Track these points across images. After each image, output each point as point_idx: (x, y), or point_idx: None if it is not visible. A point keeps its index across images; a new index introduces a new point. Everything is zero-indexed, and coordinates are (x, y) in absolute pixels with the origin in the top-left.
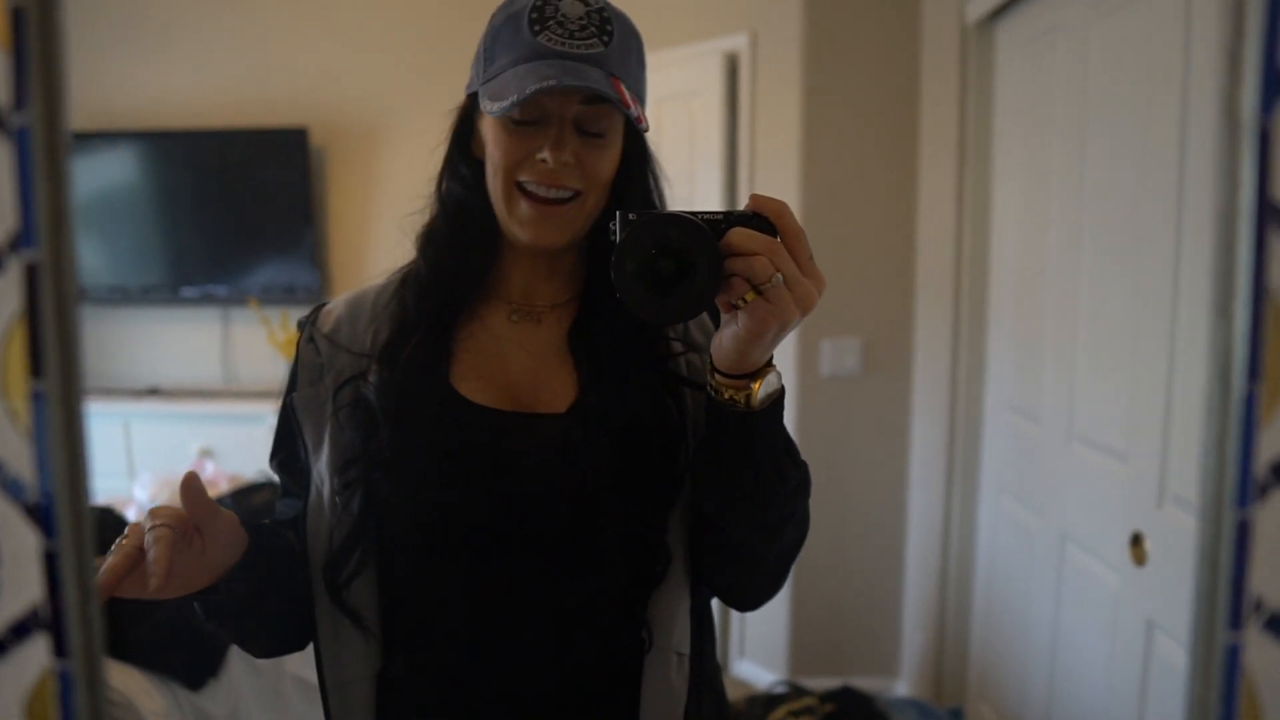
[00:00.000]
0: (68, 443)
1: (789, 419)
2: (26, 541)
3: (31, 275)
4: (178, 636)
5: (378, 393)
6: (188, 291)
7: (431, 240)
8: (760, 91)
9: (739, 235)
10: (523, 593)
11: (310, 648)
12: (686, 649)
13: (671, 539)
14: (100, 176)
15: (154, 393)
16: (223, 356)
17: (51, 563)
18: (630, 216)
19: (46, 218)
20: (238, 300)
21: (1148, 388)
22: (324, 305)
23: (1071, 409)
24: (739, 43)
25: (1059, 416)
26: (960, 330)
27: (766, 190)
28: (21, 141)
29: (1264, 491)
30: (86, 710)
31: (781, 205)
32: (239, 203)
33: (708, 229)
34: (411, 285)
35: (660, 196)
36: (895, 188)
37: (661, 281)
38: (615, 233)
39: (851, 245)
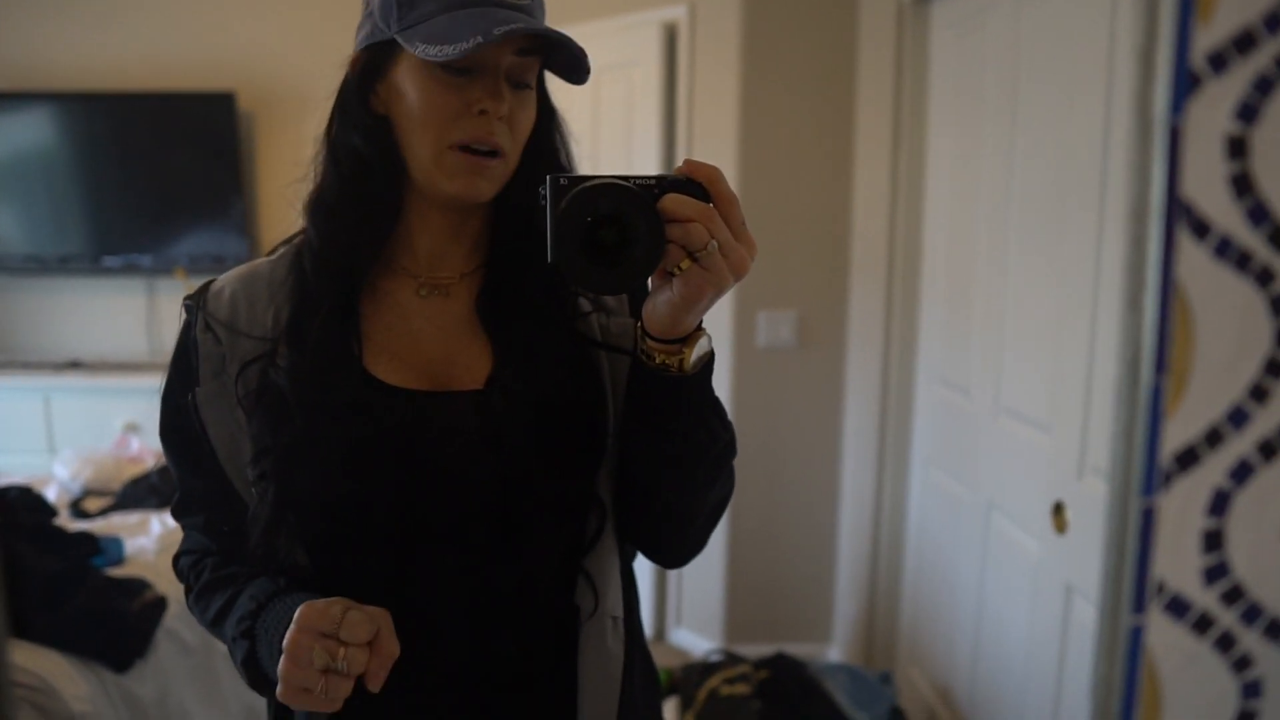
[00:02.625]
0: None
1: (725, 390)
2: None
3: None
4: (101, 618)
5: (288, 378)
6: (110, 261)
7: (323, 206)
8: (699, 63)
9: (674, 201)
10: (453, 573)
11: None
12: (620, 612)
13: (602, 495)
14: (14, 140)
15: (75, 366)
16: (148, 328)
17: None
18: (561, 181)
19: None
20: (164, 270)
21: (1070, 363)
22: (210, 284)
23: (999, 383)
24: (678, 13)
25: (986, 390)
26: (893, 304)
27: (703, 160)
28: None
29: (1168, 480)
30: None
31: (714, 170)
32: (164, 169)
33: (647, 196)
34: (308, 257)
35: (568, 154)
36: (831, 162)
37: (602, 250)
38: (545, 198)
39: (788, 219)
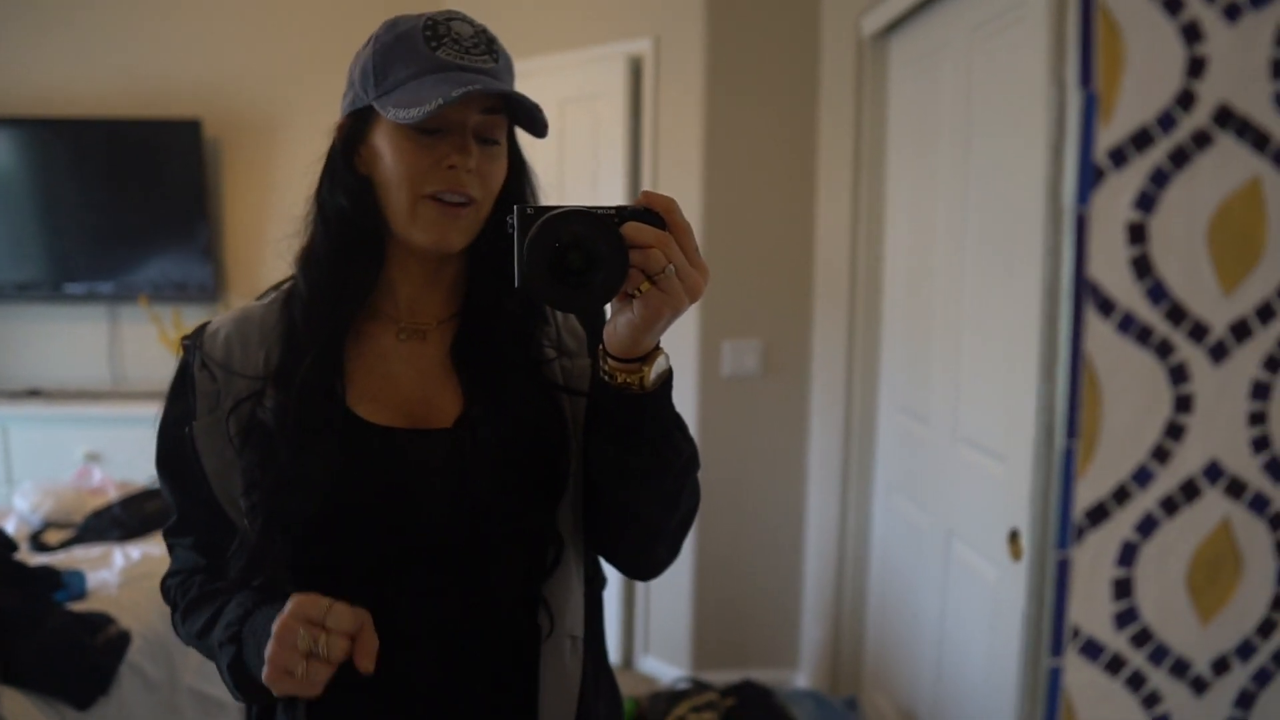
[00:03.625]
0: None
1: (690, 418)
2: None
3: None
4: (64, 655)
5: (275, 416)
6: (72, 288)
7: (313, 260)
8: (663, 95)
9: (633, 229)
10: (422, 598)
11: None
12: (580, 632)
13: (561, 528)
14: None
15: (35, 394)
16: (110, 356)
17: None
18: (529, 210)
19: None
20: (126, 297)
21: (1022, 395)
22: (206, 326)
23: (956, 411)
24: (643, 46)
25: (945, 418)
26: (855, 334)
27: (668, 192)
28: None
29: (1081, 534)
30: None
31: (670, 201)
32: (128, 196)
33: (610, 222)
34: (297, 306)
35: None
36: (794, 193)
37: (569, 273)
38: (513, 227)
39: (752, 249)
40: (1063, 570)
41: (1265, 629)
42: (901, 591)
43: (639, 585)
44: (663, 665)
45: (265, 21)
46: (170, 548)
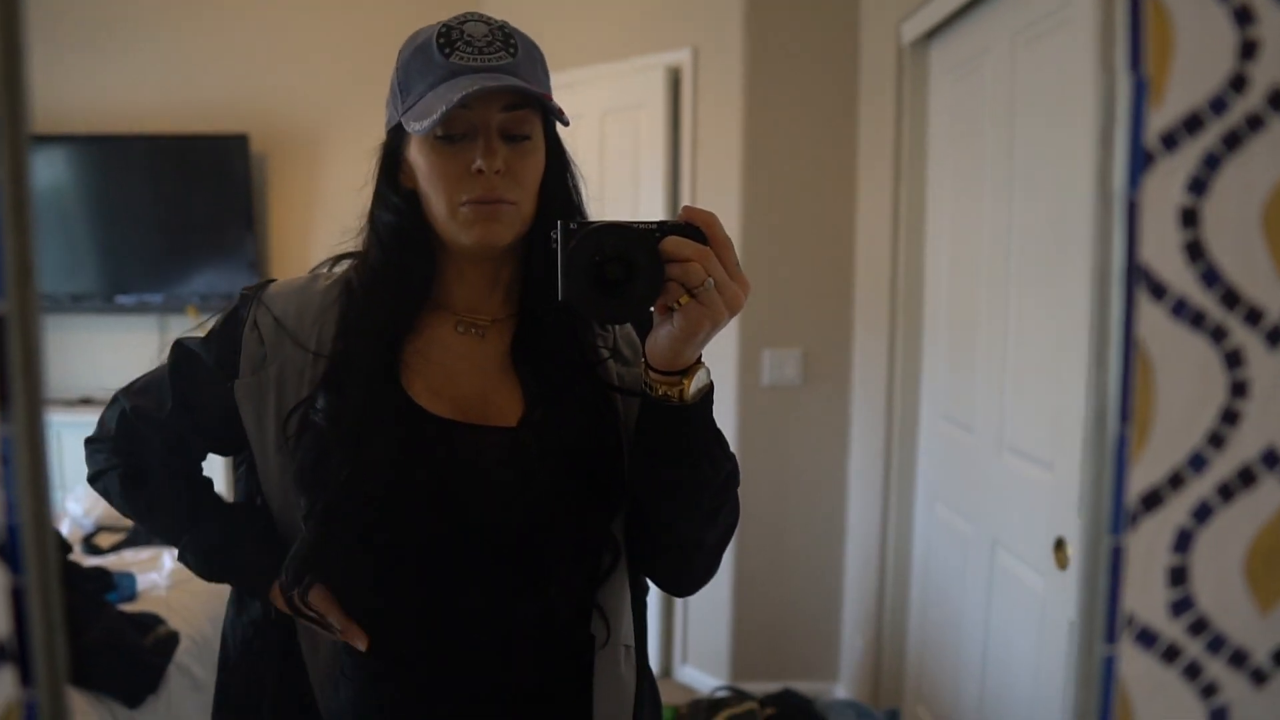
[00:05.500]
0: (33, 481)
1: (730, 427)
2: None
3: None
4: (115, 653)
5: (331, 411)
6: (123, 299)
7: (368, 267)
8: (702, 105)
9: (673, 243)
10: (478, 597)
11: None
12: (633, 641)
13: (616, 534)
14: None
15: (86, 402)
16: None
17: (18, 598)
18: (571, 226)
19: (14, 270)
20: (175, 308)
21: (1071, 401)
22: (270, 284)
23: (1002, 420)
24: (682, 57)
25: (990, 427)
26: (896, 342)
27: (708, 201)
28: None
29: (1134, 520)
30: None
31: (711, 216)
32: (177, 209)
33: (649, 237)
34: (356, 302)
35: (580, 196)
36: (834, 202)
37: (608, 285)
38: (556, 241)
39: (791, 258)
40: (1116, 556)
41: None
42: (944, 602)
43: None
44: (702, 675)
45: (312, 39)
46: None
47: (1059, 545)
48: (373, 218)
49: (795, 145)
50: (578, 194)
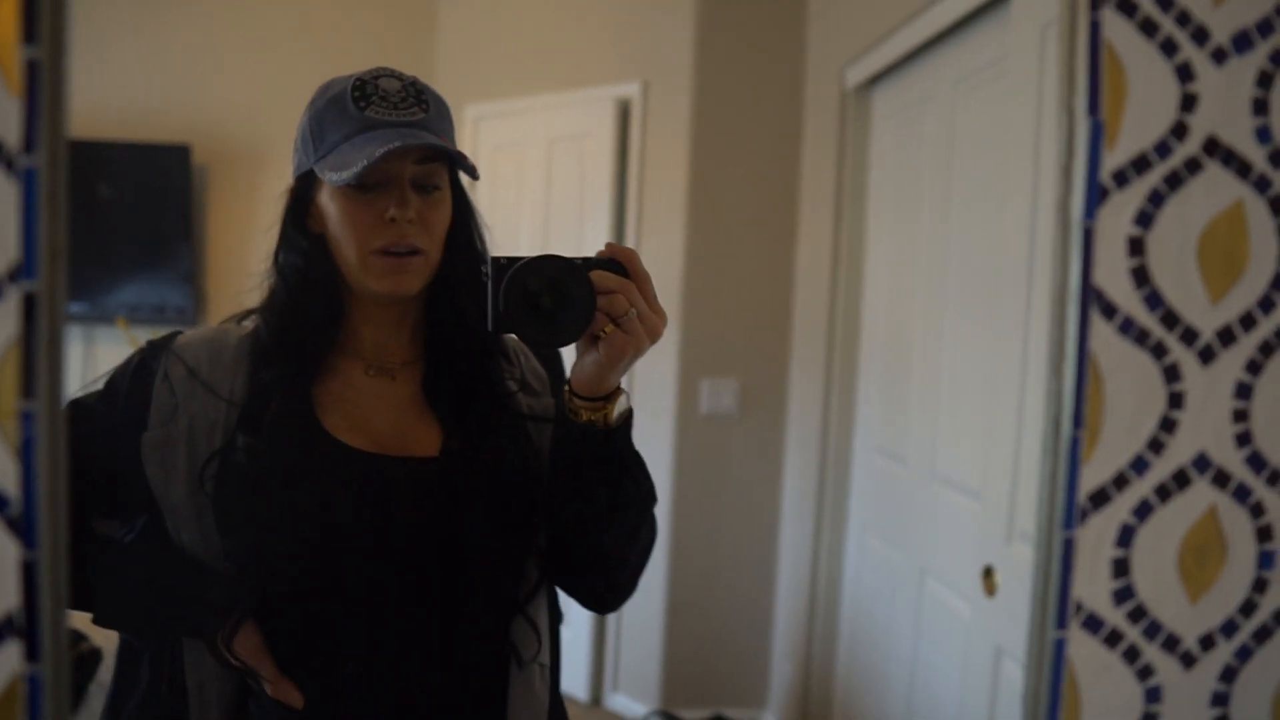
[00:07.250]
0: (52, 459)
1: (668, 455)
2: (5, 553)
3: (29, 304)
4: None
5: (250, 449)
6: None
7: (274, 310)
8: (650, 138)
9: (599, 276)
10: (399, 621)
11: None
12: (549, 660)
13: (533, 560)
14: None
15: None
16: (84, 377)
17: (30, 572)
18: (502, 261)
19: (47, 252)
20: (101, 318)
21: (1000, 434)
22: (178, 335)
23: (934, 451)
24: (632, 90)
25: (922, 458)
26: (832, 375)
27: (652, 231)
28: (29, 181)
29: (1084, 516)
30: (54, 711)
31: (631, 252)
32: (110, 217)
33: (579, 268)
34: (266, 346)
35: (484, 244)
36: (775, 237)
37: (543, 313)
38: (487, 275)
39: (732, 290)
40: (1068, 548)
41: (1247, 609)
42: (873, 630)
43: (610, 620)
44: (632, 703)
45: (259, 53)
46: None
47: (987, 573)
48: (278, 261)
49: (740, 181)
50: (482, 241)
